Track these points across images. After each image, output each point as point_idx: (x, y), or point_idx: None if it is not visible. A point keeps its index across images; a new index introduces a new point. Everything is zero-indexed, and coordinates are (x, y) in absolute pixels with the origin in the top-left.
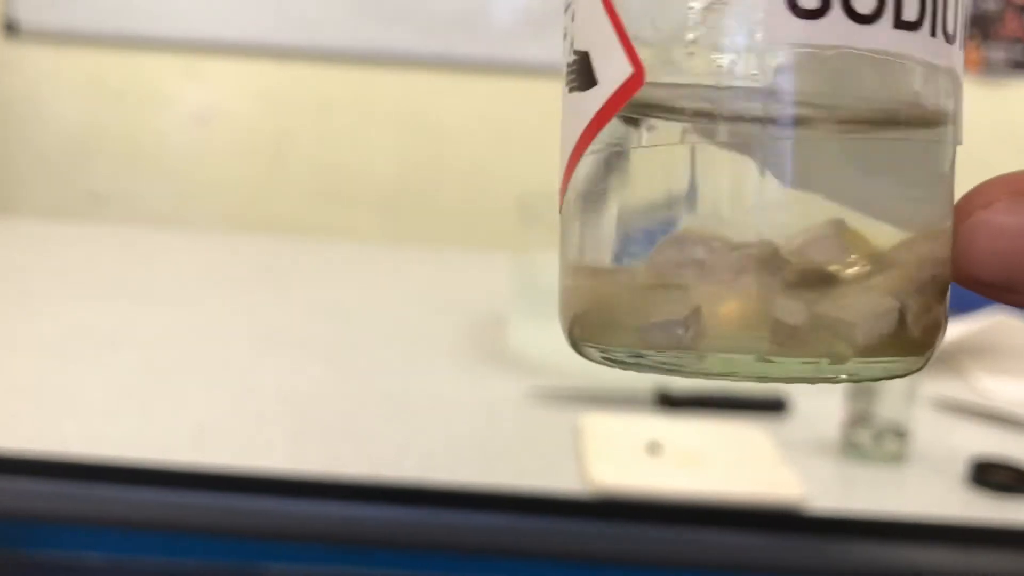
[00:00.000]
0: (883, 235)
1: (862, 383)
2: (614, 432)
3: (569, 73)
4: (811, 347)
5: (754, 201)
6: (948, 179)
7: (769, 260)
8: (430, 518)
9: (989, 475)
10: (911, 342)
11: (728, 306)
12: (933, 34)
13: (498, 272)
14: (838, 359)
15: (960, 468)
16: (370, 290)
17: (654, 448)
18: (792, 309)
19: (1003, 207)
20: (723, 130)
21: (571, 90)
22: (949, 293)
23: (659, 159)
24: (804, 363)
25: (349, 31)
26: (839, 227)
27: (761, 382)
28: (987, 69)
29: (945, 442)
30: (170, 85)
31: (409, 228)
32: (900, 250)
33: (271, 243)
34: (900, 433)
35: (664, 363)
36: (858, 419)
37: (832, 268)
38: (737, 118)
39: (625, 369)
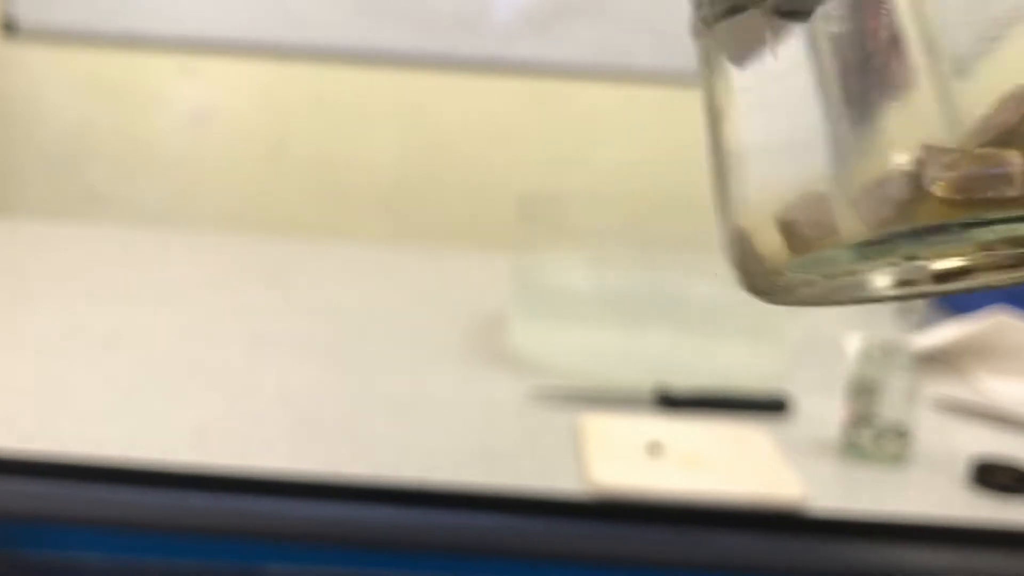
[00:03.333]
0: None
1: None
2: (614, 432)
3: None
4: None
5: None
6: None
7: None
8: (430, 518)
9: (990, 476)
10: None
11: None
12: None
13: (498, 272)
14: None
15: (961, 469)
16: (370, 290)
17: (654, 448)
18: None
19: None
20: None
21: None
22: None
23: None
24: None
25: (348, 30)
26: None
27: None
28: None
29: (946, 443)
30: (169, 84)
31: (409, 228)
32: None
33: (271, 243)
34: (901, 433)
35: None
36: (859, 419)
37: None
38: None
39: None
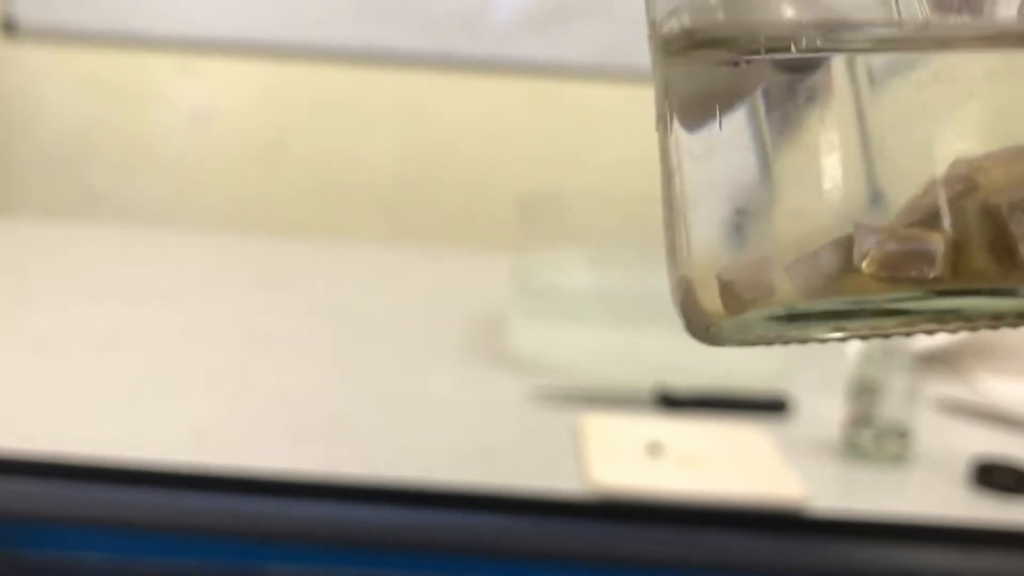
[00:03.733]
0: None
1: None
2: (614, 432)
3: None
4: None
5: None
6: None
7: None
8: (430, 518)
9: (991, 476)
10: None
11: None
12: None
13: (498, 272)
14: None
15: (962, 469)
16: (370, 290)
17: (654, 448)
18: None
19: None
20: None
21: None
22: None
23: None
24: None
25: (348, 30)
26: None
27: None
28: None
29: (947, 443)
30: (169, 84)
31: (408, 228)
32: None
33: (270, 242)
34: (902, 434)
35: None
36: (859, 420)
37: None
38: None
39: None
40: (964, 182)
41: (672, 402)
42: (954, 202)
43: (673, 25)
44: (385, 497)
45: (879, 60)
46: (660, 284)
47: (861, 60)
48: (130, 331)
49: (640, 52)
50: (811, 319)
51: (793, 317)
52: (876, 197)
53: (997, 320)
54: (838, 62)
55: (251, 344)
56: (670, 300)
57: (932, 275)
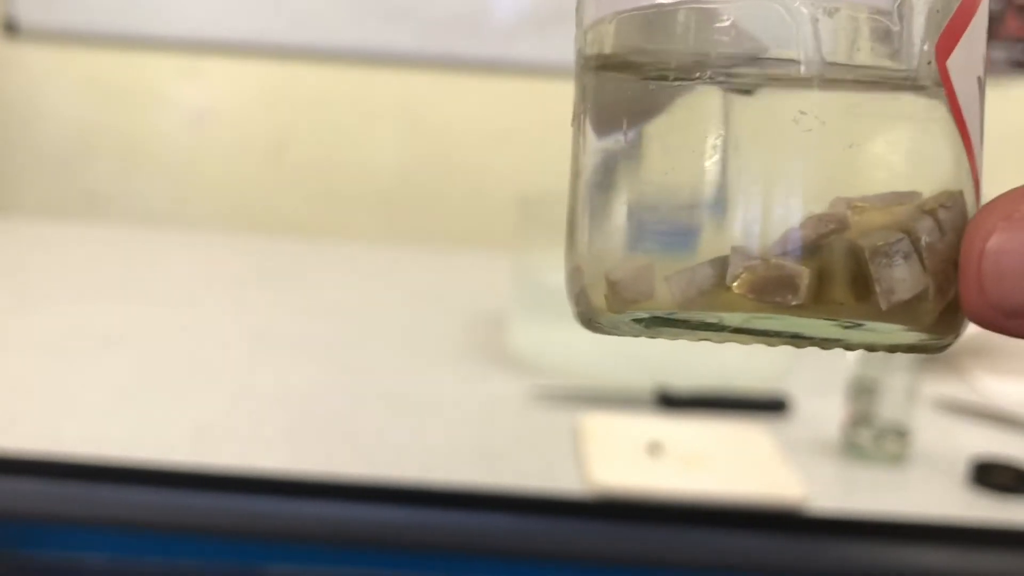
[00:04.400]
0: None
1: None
2: (614, 432)
3: None
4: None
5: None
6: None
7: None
8: (430, 518)
9: (990, 475)
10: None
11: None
12: None
13: (498, 272)
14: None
15: (961, 468)
16: (370, 290)
17: (654, 448)
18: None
19: (999, 234)
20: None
21: None
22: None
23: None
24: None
25: (349, 30)
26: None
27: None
28: (988, 69)
29: (946, 442)
30: (169, 84)
31: (409, 228)
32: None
33: (270, 243)
34: (901, 433)
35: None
36: (859, 419)
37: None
38: None
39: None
40: (836, 222)
41: (672, 402)
42: (824, 237)
43: (592, 42)
44: (385, 497)
45: (770, 92)
46: None
47: (754, 92)
48: (130, 331)
49: None
50: (680, 326)
51: (666, 321)
52: (746, 224)
53: (847, 348)
54: (729, 94)
55: (251, 344)
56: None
57: (794, 303)
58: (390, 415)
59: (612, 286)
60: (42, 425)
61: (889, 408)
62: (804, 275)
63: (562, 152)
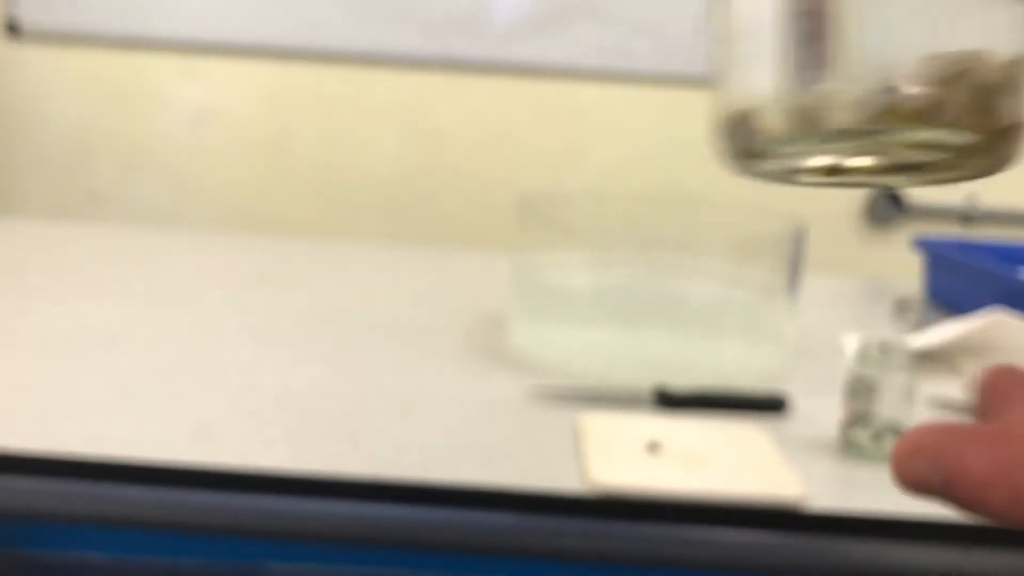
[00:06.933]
0: None
1: None
2: (614, 432)
3: None
4: None
5: None
6: None
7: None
8: (430, 517)
9: None
10: None
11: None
12: None
13: (498, 272)
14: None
15: None
16: (370, 290)
17: (654, 448)
18: None
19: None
20: None
21: None
22: None
23: None
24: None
25: (349, 31)
26: None
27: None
28: None
29: None
30: (170, 85)
31: (409, 228)
32: None
33: (271, 243)
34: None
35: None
36: (857, 418)
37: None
38: None
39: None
40: (973, 60)
41: (671, 401)
42: (965, 73)
43: None
44: (386, 495)
45: None
46: (660, 284)
47: None
48: (131, 330)
49: (639, 54)
50: (837, 139)
51: (831, 137)
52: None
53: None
54: None
55: (252, 343)
56: (714, 150)
57: (948, 119)
58: (390, 414)
59: (792, 112)
60: (43, 424)
61: (887, 407)
62: (953, 98)
63: (562, 152)
